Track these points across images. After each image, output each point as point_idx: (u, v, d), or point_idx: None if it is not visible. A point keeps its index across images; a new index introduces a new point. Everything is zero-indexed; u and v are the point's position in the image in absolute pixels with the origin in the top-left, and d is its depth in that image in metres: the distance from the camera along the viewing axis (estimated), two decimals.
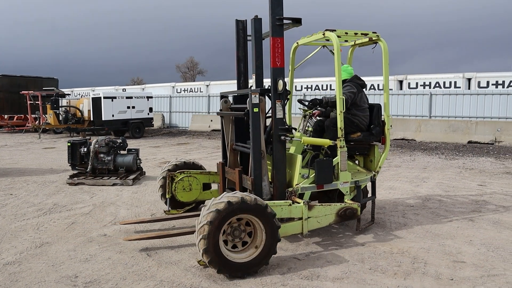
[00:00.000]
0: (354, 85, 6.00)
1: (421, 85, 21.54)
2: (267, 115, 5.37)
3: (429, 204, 7.42)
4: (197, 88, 28.39)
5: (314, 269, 4.56)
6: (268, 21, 5.15)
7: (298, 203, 5.05)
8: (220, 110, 6.04)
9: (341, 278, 4.33)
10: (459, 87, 20.58)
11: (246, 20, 5.92)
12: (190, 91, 28.57)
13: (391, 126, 6.20)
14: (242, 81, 6.02)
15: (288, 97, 5.43)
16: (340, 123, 5.40)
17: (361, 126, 6.01)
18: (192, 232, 5.14)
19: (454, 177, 10.06)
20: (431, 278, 4.32)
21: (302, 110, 6.47)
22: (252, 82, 5.72)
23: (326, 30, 5.63)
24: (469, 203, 7.43)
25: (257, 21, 5.49)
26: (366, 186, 6.17)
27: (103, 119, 19.71)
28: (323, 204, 5.26)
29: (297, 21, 5.20)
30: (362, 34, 5.97)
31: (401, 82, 22.32)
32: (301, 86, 24.70)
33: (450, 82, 20.52)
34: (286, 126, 5.23)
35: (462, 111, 18.37)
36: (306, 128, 6.42)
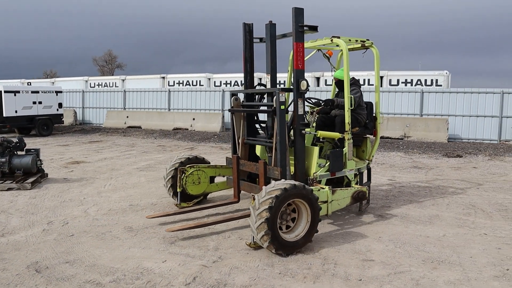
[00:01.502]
0: (359, 88, 6.75)
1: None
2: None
3: None
4: (112, 83, 27.00)
5: (221, 276, 4.29)
6: (292, 28, 5.71)
7: (323, 188, 5.64)
8: (231, 107, 6.51)
9: (249, 285, 4.10)
10: (373, 85, 21.47)
11: (252, 23, 6.45)
12: (104, 86, 27.13)
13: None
14: (249, 80, 6.55)
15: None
16: (348, 119, 6.15)
17: (362, 122, 6.75)
18: (228, 220, 5.76)
19: None
20: (340, 280, 4.23)
21: (309, 107, 6.93)
22: (264, 81, 6.48)
23: (333, 36, 6.36)
24: (379, 199, 7.59)
25: (272, 26, 6.13)
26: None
27: (4, 115, 17.97)
28: (342, 188, 5.99)
29: (314, 28, 5.77)
30: (361, 41, 6.75)
31: (318, 79, 22.83)
32: (220, 82, 24.42)
33: (364, 80, 21.32)
34: (306, 122, 5.91)
35: (380, 107, 19.11)
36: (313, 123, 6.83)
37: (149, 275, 4.33)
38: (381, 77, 21.45)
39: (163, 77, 25.75)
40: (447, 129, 17.13)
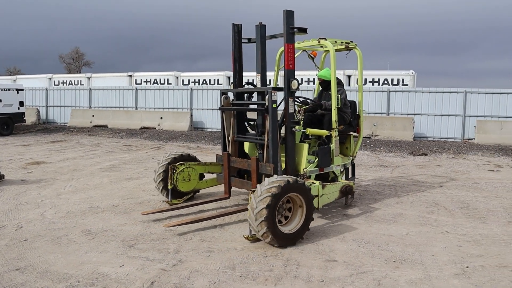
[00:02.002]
0: (343, 88, 7.00)
1: (305, 81, 22.26)
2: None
3: None
4: (77, 81, 26.28)
5: (180, 281, 4.15)
6: (283, 29, 5.90)
7: (314, 183, 5.88)
8: (222, 105, 6.71)
9: None
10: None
11: (241, 24, 6.63)
12: (69, 84, 26.36)
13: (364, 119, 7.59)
14: (237, 79, 6.71)
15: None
16: (335, 117, 6.46)
17: (347, 120, 7.03)
18: (224, 215, 5.94)
19: None
20: (302, 282, 4.15)
21: (297, 106, 6.93)
22: (250, 80, 6.76)
23: (320, 38, 6.63)
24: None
25: (262, 27, 6.29)
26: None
27: None
28: (331, 183, 6.33)
29: (303, 30, 6.03)
30: (346, 43, 7.04)
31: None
32: (188, 80, 24.12)
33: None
34: (297, 120, 6.13)
35: (363, 106, 19.24)
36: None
37: (105, 281, 4.14)
38: (349, 77, 21.65)
39: (130, 75, 25.24)
40: (413, 127, 17.43)
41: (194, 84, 24.01)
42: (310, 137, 6.77)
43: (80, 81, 26.28)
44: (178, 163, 6.88)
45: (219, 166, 7.04)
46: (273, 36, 6.48)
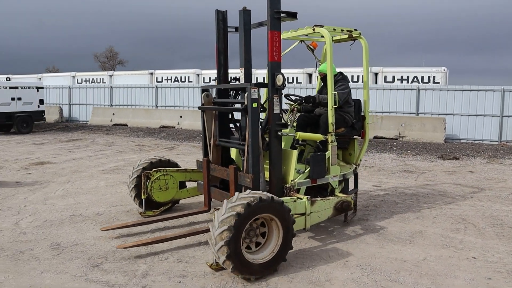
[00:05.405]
0: (347, 84, 5.98)
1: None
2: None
3: None
4: (100, 79, 26.10)
5: None
6: (266, 14, 4.99)
7: (301, 198, 4.93)
8: (202, 104, 5.83)
9: None
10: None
11: (226, 11, 5.72)
12: (92, 82, 26.23)
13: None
14: (222, 74, 5.86)
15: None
16: (331, 119, 5.43)
17: (349, 122, 6.02)
18: (190, 234, 5.04)
19: None
20: None
21: (288, 105, 6.17)
22: (239, 75, 5.59)
23: (316, 25, 5.62)
24: (358, 210, 6.62)
25: (246, 12, 5.42)
26: None
27: None
28: (323, 198, 5.25)
29: (292, 15, 5.13)
30: (347, 31, 6.06)
31: (310, 75, 21.89)
32: (209, 78, 23.50)
33: (358, 76, 20.36)
34: (283, 122, 5.20)
35: (369, 105, 18.20)
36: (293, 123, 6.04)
37: None
38: (376, 74, 20.48)
39: (151, 73, 24.82)
40: (444, 129, 16.16)
41: (167, 81, 23.50)
42: (300, 142, 5.82)
43: (102, 79, 26.07)
44: (153, 169, 6.14)
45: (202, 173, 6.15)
46: (260, 24, 5.56)
